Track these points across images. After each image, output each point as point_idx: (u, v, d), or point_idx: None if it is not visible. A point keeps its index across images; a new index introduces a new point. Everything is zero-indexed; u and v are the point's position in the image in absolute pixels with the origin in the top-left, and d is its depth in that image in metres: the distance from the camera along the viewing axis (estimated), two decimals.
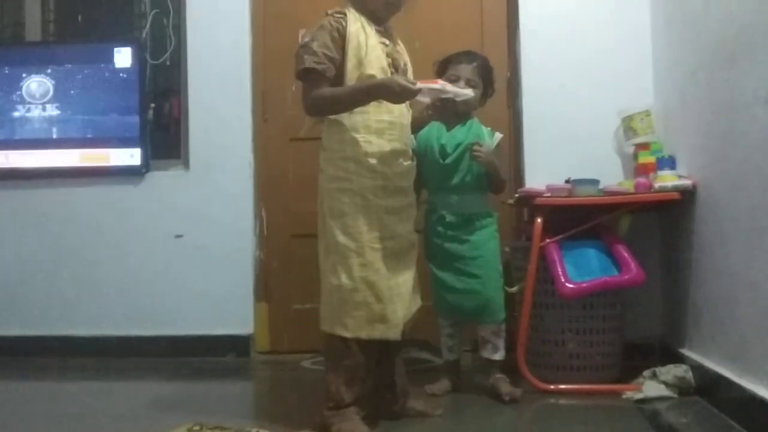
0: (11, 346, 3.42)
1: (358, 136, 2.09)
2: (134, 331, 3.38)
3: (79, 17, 3.71)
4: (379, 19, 2.20)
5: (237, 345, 3.32)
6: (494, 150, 2.55)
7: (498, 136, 2.60)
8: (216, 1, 3.40)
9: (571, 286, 2.51)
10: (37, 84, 3.51)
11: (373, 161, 2.09)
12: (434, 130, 2.55)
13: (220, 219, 3.36)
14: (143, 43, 3.52)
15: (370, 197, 2.08)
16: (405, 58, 2.29)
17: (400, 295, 2.10)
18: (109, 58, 3.47)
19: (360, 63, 2.09)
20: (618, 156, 3.04)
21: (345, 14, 2.13)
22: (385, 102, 2.09)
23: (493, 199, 2.64)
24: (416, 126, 2.34)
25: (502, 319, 2.49)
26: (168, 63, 3.52)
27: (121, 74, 3.46)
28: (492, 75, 2.62)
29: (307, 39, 2.10)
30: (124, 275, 3.42)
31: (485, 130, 2.59)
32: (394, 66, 2.20)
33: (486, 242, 2.50)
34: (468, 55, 2.59)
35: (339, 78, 2.10)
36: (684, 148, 2.66)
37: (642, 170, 2.76)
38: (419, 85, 2.05)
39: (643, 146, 2.83)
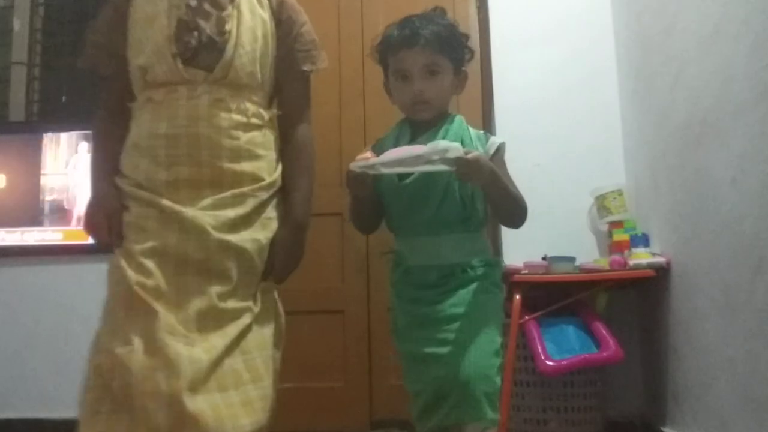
0: None
1: None
2: None
3: (63, 98, 3.76)
4: None
5: None
6: (492, 160, 1.67)
7: (494, 141, 1.73)
8: None
9: (551, 363, 2.50)
10: None
11: None
12: (392, 137, 1.76)
13: None
14: None
15: None
16: None
17: None
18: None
19: None
20: (593, 234, 3.08)
21: None
22: None
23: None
24: None
25: (490, 418, 1.55)
26: None
27: None
28: (460, 40, 1.75)
29: None
30: None
31: (473, 133, 1.75)
32: None
33: (473, 297, 1.63)
34: (413, 35, 1.66)
35: None
36: (657, 227, 2.72)
37: (616, 248, 2.81)
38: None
39: (617, 224, 2.88)
